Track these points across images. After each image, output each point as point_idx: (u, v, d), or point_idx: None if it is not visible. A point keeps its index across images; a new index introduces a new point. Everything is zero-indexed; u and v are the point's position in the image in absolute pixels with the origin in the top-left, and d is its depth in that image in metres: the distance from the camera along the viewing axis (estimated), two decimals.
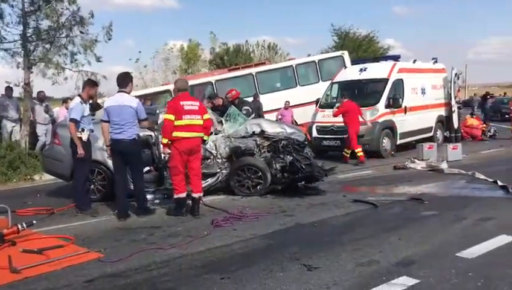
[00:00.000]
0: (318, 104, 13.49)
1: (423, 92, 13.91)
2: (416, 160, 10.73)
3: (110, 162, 6.98)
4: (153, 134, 7.64)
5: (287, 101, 14.38)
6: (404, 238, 5.10)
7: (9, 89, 11.88)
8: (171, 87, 14.26)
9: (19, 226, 5.31)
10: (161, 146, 6.81)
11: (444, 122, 15.08)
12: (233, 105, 9.34)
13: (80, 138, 6.49)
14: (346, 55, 16.23)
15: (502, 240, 4.89)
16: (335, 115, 11.68)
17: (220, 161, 7.74)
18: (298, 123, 13.80)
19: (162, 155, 7.20)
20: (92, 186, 7.42)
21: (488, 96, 23.19)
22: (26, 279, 4.16)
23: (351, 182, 9.22)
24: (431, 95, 14.31)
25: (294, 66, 16.01)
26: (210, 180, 7.59)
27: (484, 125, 17.74)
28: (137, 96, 9.05)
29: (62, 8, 11.96)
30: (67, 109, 9.65)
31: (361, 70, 13.50)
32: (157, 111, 9.13)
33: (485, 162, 11.42)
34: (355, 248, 4.76)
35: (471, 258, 4.36)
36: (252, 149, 7.82)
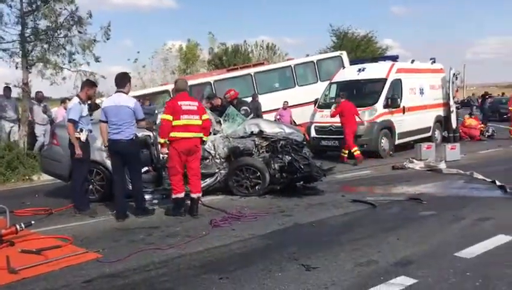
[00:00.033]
0: (316, 105, 13.50)
1: (421, 92, 13.93)
2: (414, 160, 10.74)
3: (108, 163, 6.98)
4: (151, 134, 7.64)
5: (285, 101, 14.38)
6: (403, 238, 5.10)
7: (7, 90, 11.86)
8: (169, 87, 14.29)
9: (17, 227, 5.31)
10: (160, 146, 6.81)
11: (442, 122, 15.09)
12: (231, 105, 9.35)
13: (78, 138, 6.49)
14: (344, 55, 16.23)
15: (500, 239, 4.90)
16: (332, 116, 11.70)
17: (218, 161, 7.74)
18: (297, 123, 13.79)
19: (161, 155, 7.21)
20: (91, 186, 7.42)
21: (487, 97, 23.20)
22: (24, 279, 4.16)
23: (349, 182, 9.22)
24: (429, 95, 14.32)
25: (292, 66, 16.01)
26: (209, 181, 7.59)
27: (482, 125, 17.78)
28: (136, 97, 9.07)
29: (60, 8, 11.99)
30: (65, 109, 9.64)
31: (359, 70, 13.52)
32: (156, 111, 9.12)
33: (483, 162, 11.43)
34: (353, 248, 4.76)
35: (470, 258, 4.37)
36: (250, 149, 7.82)
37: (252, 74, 15.50)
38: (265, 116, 12.92)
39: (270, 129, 8.30)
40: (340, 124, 11.57)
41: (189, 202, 6.54)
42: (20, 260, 4.57)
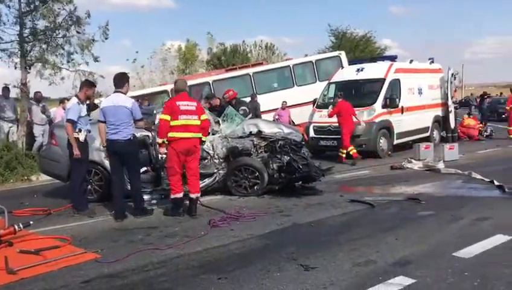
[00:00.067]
0: (315, 105, 13.52)
1: (420, 92, 13.94)
2: (413, 160, 10.75)
3: (107, 163, 6.98)
4: (150, 134, 7.64)
5: (284, 101, 14.39)
6: (401, 238, 5.11)
7: (6, 90, 11.86)
8: (168, 87, 14.31)
9: (16, 227, 5.30)
10: (158, 146, 6.82)
11: (441, 122, 15.10)
12: (230, 105, 9.35)
13: (77, 139, 6.49)
14: (343, 55, 16.24)
15: (498, 239, 4.91)
16: (329, 116, 11.73)
17: (217, 161, 7.74)
18: (295, 123, 13.79)
19: (159, 155, 7.21)
20: (89, 186, 7.42)
21: (485, 96, 23.24)
22: (22, 280, 4.16)
23: (348, 182, 9.23)
24: (428, 95, 14.34)
25: (291, 66, 16.02)
26: (207, 181, 7.59)
27: (481, 125, 17.80)
28: (134, 97, 9.08)
29: (59, 8, 11.97)
30: (64, 109, 9.62)
31: (358, 70, 13.53)
32: (155, 111, 9.14)
33: (482, 162, 11.45)
34: (352, 247, 4.77)
35: (468, 257, 4.38)
36: (249, 149, 7.82)
37: (251, 74, 15.50)
38: (264, 116, 12.92)
39: (268, 129, 8.30)
40: (338, 124, 11.59)
41: (187, 202, 6.54)
42: (19, 260, 4.56)
